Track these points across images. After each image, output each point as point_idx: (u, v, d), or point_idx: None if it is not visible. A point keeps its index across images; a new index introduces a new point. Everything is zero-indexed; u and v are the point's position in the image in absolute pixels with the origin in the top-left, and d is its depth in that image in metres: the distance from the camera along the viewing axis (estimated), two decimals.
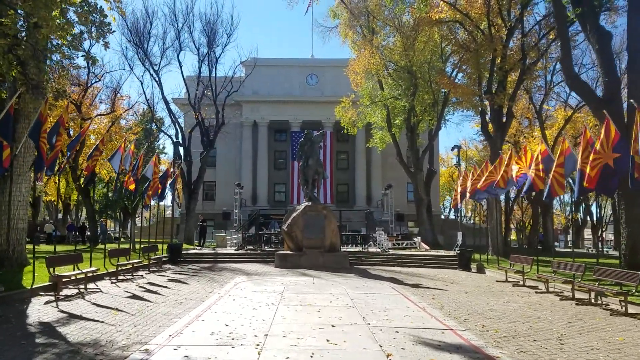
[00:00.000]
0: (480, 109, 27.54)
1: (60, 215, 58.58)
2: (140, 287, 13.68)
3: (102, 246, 31.44)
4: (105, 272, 15.57)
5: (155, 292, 12.60)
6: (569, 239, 73.14)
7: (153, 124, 43.39)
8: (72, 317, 9.23)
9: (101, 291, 12.65)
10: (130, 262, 16.49)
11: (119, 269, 15.49)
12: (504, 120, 27.04)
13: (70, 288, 12.99)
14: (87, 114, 37.68)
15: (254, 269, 19.53)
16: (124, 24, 36.61)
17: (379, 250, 26.27)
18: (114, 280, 14.92)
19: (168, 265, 20.67)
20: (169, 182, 22.24)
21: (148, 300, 11.24)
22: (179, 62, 37.56)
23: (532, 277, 16.48)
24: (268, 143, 52.03)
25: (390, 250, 26.26)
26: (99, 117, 38.82)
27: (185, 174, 39.56)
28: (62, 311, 9.82)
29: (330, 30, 43.64)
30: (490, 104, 26.58)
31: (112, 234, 46.33)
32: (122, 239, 44.66)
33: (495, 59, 26.47)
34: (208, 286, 14.09)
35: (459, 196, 24.35)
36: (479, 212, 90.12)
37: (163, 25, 65.68)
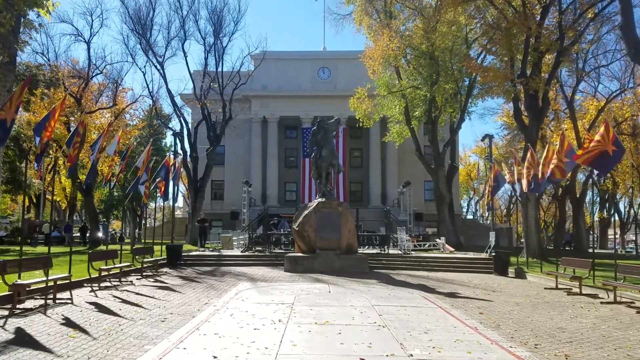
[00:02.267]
0: (512, 95, 24.86)
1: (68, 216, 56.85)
2: (121, 297, 11.35)
3: (104, 247, 29.48)
4: (87, 278, 13.28)
5: (138, 304, 10.26)
6: (590, 239, 69.85)
7: (158, 120, 41.12)
8: (9, 344, 6.90)
9: (72, 303, 10.35)
10: (118, 266, 14.19)
11: (102, 274, 13.19)
12: (540, 107, 24.39)
13: (37, 298, 10.74)
14: (88, 108, 35.64)
15: (260, 274, 17.14)
16: (125, 11, 34.59)
17: (399, 252, 23.76)
18: (95, 288, 12.63)
19: (165, 269, 18.37)
20: (170, 177, 19.93)
21: (123, 317, 8.89)
22: (184, 53, 35.16)
23: (589, 283, 13.93)
24: (278, 140, 49.70)
25: (412, 252, 23.72)
26: (101, 111, 36.71)
27: (191, 172, 37.45)
28: (5, 331, 7.52)
29: (343, 18, 41.22)
30: (524, 89, 23.93)
31: (115, 235, 44.28)
32: (125, 240, 42.73)
33: (530, 38, 23.85)
34: (204, 295, 11.73)
35: (489, 193, 21.77)
36: (501, 212, 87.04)
37: (167, 14, 63.30)
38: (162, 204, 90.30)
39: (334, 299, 11.19)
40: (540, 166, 17.85)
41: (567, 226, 54.48)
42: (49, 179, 48.02)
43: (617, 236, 72.49)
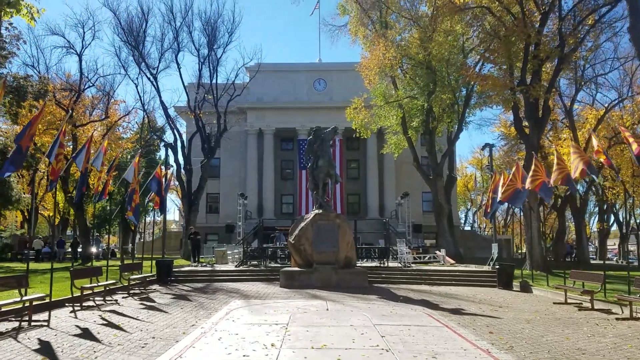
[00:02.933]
0: (512, 104, 24.31)
1: (61, 231, 55.78)
2: (103, 318, 10.55)
3: (96, 263, 28.56)
4: (69, 297, 12.46)
5: (119, 327, 9.46)
6: (590, 249, 69.07)
7: (150, 132, 40.42)
8: None
9: (48, 325, 9.55)
10: (102, 284, 13.38)
11: (85, 293, 12.38)
12: (541, 115, 23.85)
13: (11, 320, 9.95)
14: (80, 121, 34.97)
15: (254, 290, 16.33)
16: (118, 22, 34.10)
17: (399, 265, 22.98)
18: (77, 308, 11.82)
19: (155, 286, 17.52)
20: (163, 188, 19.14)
21: (100, 342, 8.11)
22: (178, 65, 34.58)
23: (599, 297, 13.21)
24: (274, 152, 49.07)
25: (412, 265, 22.94)
26: (93, 123, 36.02)
27: (185, 184, 36.71)
28: None
29: (339, 29, 40.93)
30: (524, 97, 23.40)
31: (106, 250, 43.22)
32: (118, 255, 41.72)
33: (529, 46, 23.40)
34: (192, 316, 10.93)
35: (489, 203, 21.07)
36: (498, 223, 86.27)
37: (161, 26, 62.70)
38: (157, 218, 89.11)
39: (332, 318, 10.42)
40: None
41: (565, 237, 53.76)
42: (41, 194, 47.25)
43: (615, 246, 71.79)
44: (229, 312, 11.21)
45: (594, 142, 13.91)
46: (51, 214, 53.70)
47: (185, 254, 33.27)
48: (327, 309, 11.75)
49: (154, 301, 13.48)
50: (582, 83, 34.68)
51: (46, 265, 26.38)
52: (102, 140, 35.88)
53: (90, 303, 12.60)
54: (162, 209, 20.33)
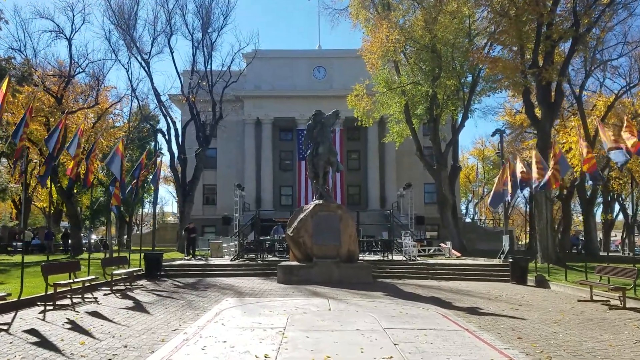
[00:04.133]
0: (523, 88, 22.96)
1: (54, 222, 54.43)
2: (73, 320, 9.27)
3: (86, 255, 27.31)
4: (43, 294, 11.18)
5: (88, 332, 8.18)
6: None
7: (143, 121, 38.99)
8: None
9: (7, 330, 8.26)
10: (80, 280, 12.09)
11: (59, 290, 11.11)
12: (553, 99, 22.52)
13: None
14: (70, 108, 33.54)
15: (249, 286, 15.06)
16: (108, 4, 32.61)
17: (403, 258, 21.72)
18: (49, 308, 10.56)
19: (142, 282, 16.26)
20: (146, 176, 17.89)
21: (61, 352, 6.83)
22: (171, 49, 33.18)
23: (629, 294, 11.97)
24: (272, 142, 47.69)
25: (417, 258, 21.68)
26: (84, 112, 34.55)
27: (180, 175, 35.40)
28: None
29: (339, 13, 39.42)
30: (537, 81, 22.05)
31: (98, 242, 41.95)
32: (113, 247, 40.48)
33: (541, 26, 22.04)
34: (176, 317, 9.66)
35: (510, 189, 19.55)
36: (498, 214, 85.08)
37: (153, 9, 60.54)
38: (151, 209, 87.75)
39: (336, 320, 9.15)
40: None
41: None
42: (33, 184, 45.87)
43: (617, 237, 70.51)
44: (219, 312, 9.94)
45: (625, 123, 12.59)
46: (45, 205, 52.44)
47: (180, 246, 32.00)
48: (330, 309, 10.48)
49: (136, 299, 12.19)
50: (592, 68, 33.24)
51: (34, 258, 25.11)
52: (91, 129, 34.78)
53: (66, 302, 11.33)
54: (155, 197, 18.91)
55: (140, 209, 51.43)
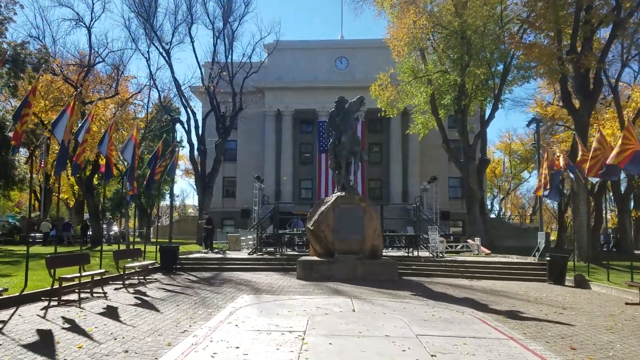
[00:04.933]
0: (560, 75, 21.55)
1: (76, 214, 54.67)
2: (76, 319, 8.55)
3: (107, 247, 26.97)
4: (49, 289, 10.54)
5: (88, 334, 7.41)
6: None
7: (163, 110, 38.45)
8: None
9: (1, 331, 7.56)
10: (88, 273, 11.42)
11: (65, 285, 10.44)
12: (592, 88, 21.10)
13: None
14: (88, 98, 33.28)
15: (267, 282, 14.25)
16: None
17: (429, 255, 20.65)
18: (54, 304, 9.91)
19: (157, 275, 15.60)
20: (165, 166, 17.17)
21: (55, 357, 6.07)
22: (191, 38, 32.61)
23: None
24: (293, 134, 46.90)
25: (445, 255, 20.59)
26: (103, 100, 34.19)
27: (199, 166, 34.85)
28: None
29: (363, 1, 38.15)
30: (575, 68, 20.65)
31: (117, 234, 41.73)
32: (131, 239, 40.27)
33: (580, 10, 20.62)
34: (187, 316, 8.87)
35: (542, 184, 18.23)
36: (525, 210, 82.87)
37: None
38: (173, 201, 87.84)
39: (361, 323, 8.23)
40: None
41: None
42: (54, 175, 46.00)
43: None
44: (234, 311, 9.12)
45: None
46: (67, 196, 52.68)
47: (199, 239, 31.50)
48: (354, 310, 9.57)
49: (148, 295, 11.47)
50: (630, 58, 31.44)
51: (49, 249, 24.80)
52: (110, 120, 34.42)
53: (73, 297, 10.67)
54: (149, 185, 17.86)
55: (161, 201, 51.21)
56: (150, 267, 15.77)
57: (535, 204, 75.87)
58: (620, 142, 14.29)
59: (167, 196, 59.94)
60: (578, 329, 8.52)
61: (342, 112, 17.10)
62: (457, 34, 26.62)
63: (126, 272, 13.48)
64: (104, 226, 35.93)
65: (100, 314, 9.03)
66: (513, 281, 15.84)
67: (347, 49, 47.83)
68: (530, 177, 75.44)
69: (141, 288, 12.72)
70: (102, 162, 29.44)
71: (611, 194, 40.93)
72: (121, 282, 13.07)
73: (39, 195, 51.07)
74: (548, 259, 15.79)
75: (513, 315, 9.74)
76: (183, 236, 46.65)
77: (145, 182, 17.24)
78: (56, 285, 10.23)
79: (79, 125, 14.05)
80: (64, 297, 10.57)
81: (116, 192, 50.43)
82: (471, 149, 30.86)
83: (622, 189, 34.83)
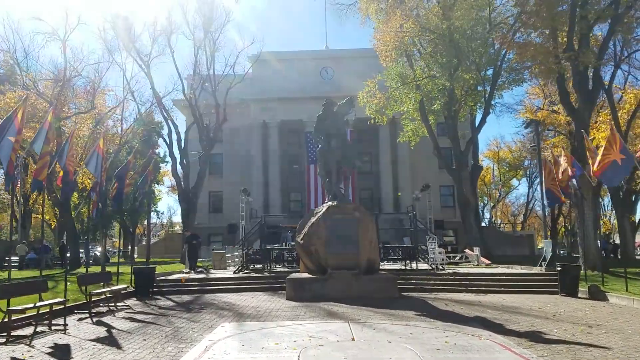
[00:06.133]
0: (556, 74, 20.56)
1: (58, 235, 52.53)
2: None
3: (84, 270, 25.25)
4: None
5: None
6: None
7: (141, 126, 36.92)
8: None
9: None
10: (45, 303, 9.89)
11: (14, 317, 8.94)
12: (591, 87, 20.15)
13: None
14: (64, 114, 31.77)
15: (253, 305, 12.77)
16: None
17: (428, 267, 19.32)
18: (2, 340, 8.40)
19: (130, 301, 14.02)
20: (136, 178, 15.74)
21: None
22: (171, 49, 31.10)
23: None
24: (280, 146, 45.60)
25: (445, 268, 19.27)
26: (80, 116, 32.62)
27: (182, 181, 33.35)
28: None
29: (347, 9, 37.26)
30: (572, 66, 19.68)
31: (97, 255, 39.85)
32: (115, 259, 38.46)
33: (576, 6, 19.75)
34: (154, 354, 7.40)
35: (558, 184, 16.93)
36: (514, 218, 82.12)
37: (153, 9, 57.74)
38: (159, 219, 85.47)
39: (364, 356, 6.86)
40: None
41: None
42: (34, 196, 44.13)
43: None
44: (210, 346, 7.67)
45: None
46: (48, 217, 50.72)
47: (182, 257, 29.88)
48: (353, 338, 8.16)
49: (112, 327, 9.95)
50: (624, 58, 30.77)
51: (25, 274, 23.06)
52: (92, 138, 32.88)
53: (29, 331, 9.16)
54: (117, 200, 16.42)
55: (144, 219, 49.50)
56: (123, 291, 14.24)
57: (526, 212, 75.31)
58: (601, 150, 13.89)
59: (154, 214, 58.24)
60: (617, 353, 7.24)
61: (331, 115, 15.82)
62: (445, 37, 25.63)
63: (93, 299, 11.98)
64: (83, 248, 34.05)
65: (50, 353, 7.53)
66: (522, 294, 14.53)
67: (333, 59, 46.95)
68: (519, 184, 74.92)
69: (108, 318, 11.19)
70: (61, 174, 27.79)
71: (609, 198, 40.12)
72: (87, 311, 11.53)
73: (18, 217, 49.02)
74: (559, 269, 14.52)
75: (536, 337, 8.42)
76: (170, 255, 44.80)
77: (112, 196, 15.74)
78: (17, 316, 8.75)
79: (60, 148, 12.89)
80: (17, 332, 9.08)
81: (97, 211, 48.59)
82: (463, 155, 29.87)
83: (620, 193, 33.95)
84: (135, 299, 14.60)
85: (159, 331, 9.31)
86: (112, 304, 12.88)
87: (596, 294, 13.64)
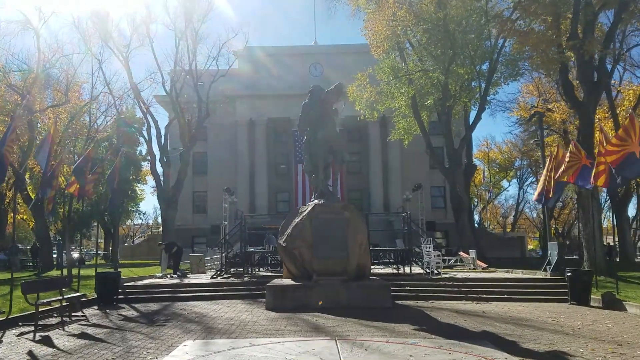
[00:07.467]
0: (559, 65, 19.28)
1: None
2: None
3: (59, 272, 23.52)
4: None
5: None
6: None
7: (125, 125, 35.20)
8: None
9: None
10: None
11: None
12: (596, 78, 18.90)
13: None
14: (37, 106, 30.03)
15: (227, 316, 11.19)
16: None
17: (422, 272, 17.88)
18: None
19: (90, 310, 12.37)
20: (101, 172, 14.12)
21: None
22: (150, 39, 29.43)
23: None
24: (267, 144, 44.18)
25: (441, 272, 17.83)
26: (54, 108, 30.78)
27: (162, 179, 31.67)
28: None
29: (336, 1, 35.81)
30: (577, 56, 18.41)
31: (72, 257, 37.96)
32: (92, 262, 36.61)
33: None
34: None
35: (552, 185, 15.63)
36: (504, 220, 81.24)
37: None
38: (143, 220, 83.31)
39: None
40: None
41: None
42: (10, 194, 42.07)
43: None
44: None
45: None
46: (25, 217, 48.66)
47: (161, 261, 28.19)
48: None
49: (55, 345, 8.34)
50: (623, 52, 29.68)
51: None
52: (67, 133, 31.13)
53: None
54: (81, 195, 14.75)
55: (126, 220, 47.64)
56: (83, 299, 12.60)
57: (517, 214, 74.45)
58: (567, 159, 13.87)
59: (136, 215, 56.29)
60: None
61: (316, 104, 14.30)
62: (440, 27, 24.29)
63: (43, 308, 10.38)
64: (58, 249, 32.22)
65: None
66: (528, 302, 13.09)
67: (321, 55, 45.61)
68: (509, 185, 74.28)
69: (55, 332, 9.57)
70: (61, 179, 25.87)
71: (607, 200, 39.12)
72: (33, 324, 9.89)
73: None
74: (569, 274, 13.12)
75: (557, 358, 6.98)
76: (153, 256, 42.92)
77: (76, 193, 14.11)
78: None
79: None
80: None
81: (76, 212, 46.58)
82: (457, 153, 28.54)
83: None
84: (96, 307, 12.96)
85: (107, 351, 7.71)
86: (67, 315, 11.26)
87: (612, 303, 12.27)
